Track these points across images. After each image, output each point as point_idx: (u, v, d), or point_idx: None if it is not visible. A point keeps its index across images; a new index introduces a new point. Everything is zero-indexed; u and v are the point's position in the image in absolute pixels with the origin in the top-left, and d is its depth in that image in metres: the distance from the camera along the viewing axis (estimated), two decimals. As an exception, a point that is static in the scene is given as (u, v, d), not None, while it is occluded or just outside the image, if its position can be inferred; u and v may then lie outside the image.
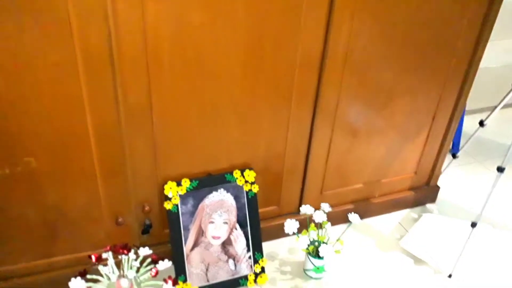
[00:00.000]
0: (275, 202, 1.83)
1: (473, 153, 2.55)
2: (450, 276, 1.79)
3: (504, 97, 1.79)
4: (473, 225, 1.75)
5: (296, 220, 1.70)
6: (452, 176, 2.36)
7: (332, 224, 1.87)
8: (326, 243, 1.68)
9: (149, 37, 1.26)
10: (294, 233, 1.66)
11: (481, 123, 1.95)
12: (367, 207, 2.05)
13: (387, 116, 1.79)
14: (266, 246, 1.85)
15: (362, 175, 1.94)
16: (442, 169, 2.17)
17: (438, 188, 2.17)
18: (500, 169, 1.67)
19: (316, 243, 1.68)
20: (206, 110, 1.46)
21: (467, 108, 2.54)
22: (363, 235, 1.98)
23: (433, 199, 2.20)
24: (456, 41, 1.69)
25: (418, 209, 2.16)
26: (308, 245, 1.66)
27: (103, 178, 1.43)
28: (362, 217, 2.06)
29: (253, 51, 1.40)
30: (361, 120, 1.75)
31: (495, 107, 1.85)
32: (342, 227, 1.94)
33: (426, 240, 1.96)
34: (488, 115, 1.91)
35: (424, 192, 2.14)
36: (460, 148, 2.14)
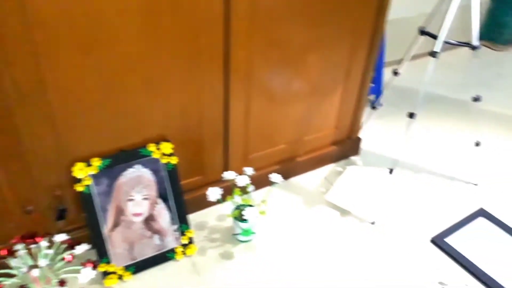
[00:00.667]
0: (199, 172, 1.79)
1: (395, 103, 2.63)
2: (373, 223, 1.87)
3: (411, 46, 1.84)
4: (391, 171, 1.82)
5: (221, 187, 1.69)
6: (375, 126, 2.42)
7: (261, 187, 1.88)
8: (252, 206, 1.68)
9: (30, 10, 1.14)
10: (218, 200, 1.64)
11: (395, 73, 2.00)
12: (293, 167, 2.07)
13: (302, 74, 1.79)
14: (195, 216, 1.83)
15: (284, 135, 1.95)
16: (365, 121, 2.23)
17: (360, 140, 2.23)
18: (411, 115, 1.73)
19: (242, 207, 1.68)
20: (108, 81, 1.37)
21: (387, 60, 2.60)
22: (290, 194, 2.01)
23: (356, 151, 2.26)
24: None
25: (342, 162, 2.22)
26: (233, 210, 1.65)
27: (0, 166, 1.32)
28: (289, 176, 2.09)
29: (150, 11, 1.31)
30: (277, 80, 1.74)
31: (405, 56, 1.90)
32: (270, 189, 1.96)
33: (349, 191, 2.03)
34: (400, 65, 1.96)
35: (346, 146, 2.20)
36: (376, 99, 2.20)
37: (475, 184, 2.09)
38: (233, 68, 1.57)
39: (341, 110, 2.04)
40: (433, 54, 1.63)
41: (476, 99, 1.83)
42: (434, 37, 1.68)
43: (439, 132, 2.43)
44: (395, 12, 2.68)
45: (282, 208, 1.92)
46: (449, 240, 1.79)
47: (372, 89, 2.52)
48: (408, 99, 2.66)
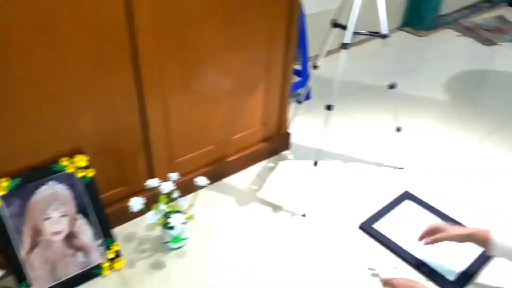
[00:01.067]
0: (121, 182, 1.74)
1: (323, 95, 2.67)
2: (304, 215, 1.89)
3: (326, 39, 1.86)
4: (315, 163, 1.84)
5: (146, 196, 1.65)
6: (303, 120, 2.45)
7: (192, 191, 1.85)
8: (179, 212, 1.65)
9: None
10: (142, 210, 1.60)
11: (315, 67, 2.03)
12: (224, 167, 2.06)
13: (222, 73, 1.77)
14: (123, 228, 1.78)
15: (211, 136, 1.93)
16: (293, 115, 2.25)
17: (289, 135, 2.25)
18: (329, 107, 1.76)
19: (168, 215, 1.65)
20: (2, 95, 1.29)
21: (312, 55, 2.64)
22: (222, 195, 1.99)
23: (287, 146, 2.28)
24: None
25: (274, 158, 2.23)
26: (159, 218, 1.62)
27: None
28: (221, 177, 2.08)
29: (46, 18, 1.25)
30: (196, 81, 1.71)
31: (321, 49, 1.92)
32: (203, 192, 1.93)
33: (281, 186, 2.04)
34: (318, 58, 1.98)
35: (276, 141, 2.21)
36: (303, 93, 2.22)
37: (401, 168, 2.16)
38: (144, 73, 1.53)
39: (266, 106, 2.05)
40: (343, 46, 1.66)
41: (392, 86, 1.89)
42: (345, 28, 1.71)
43: (364, 120, 2.49)
44: (316, 6, 2.73)
45: (215, 210, 1.91)
46: (377, 225, 1.84)
47: (298, 83, 2.56)
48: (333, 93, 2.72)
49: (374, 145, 2.31)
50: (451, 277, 1.63)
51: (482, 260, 1.69)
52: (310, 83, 2.55)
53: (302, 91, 2.52)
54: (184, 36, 1.57)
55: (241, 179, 2.09)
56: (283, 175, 2.12)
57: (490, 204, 1.97)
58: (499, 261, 1.67)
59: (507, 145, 2.32)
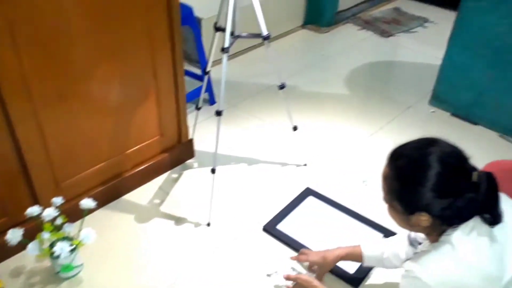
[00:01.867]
0: (1, 214, 1.60)
1: (226, 99, 2.64)
2: (208, 224, 1.84)
3: (212, 43, 1.82)
4: (213, 171, 1.80)
5: (25, 227, 1.52)
6: (209, 125, 2.39)
7: (88, 213, 1.74)
8: (67, 239, 1.54)
9: None
10: (21, 242, 1.47)
11: (206, 72, 1.98)
12: (122, 184, 1.96)
13: (102, 85, 1.68)
14: (9, 263, 1.64)
15: (101, 153, 1.83)
16: (195, 122, 2.20)
17: (192, 142, 2.19)
18: (218, 113, 1.72)
19: (55, 243, 1.53)
20: None
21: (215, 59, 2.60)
22: (121, 214, 1.89)
23: (190, 154, 2.22)
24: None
25: (178, 168, 2.16)
26: (43, 249, 1.50)
27: None
28: (120, 194, 1.98)
29: None
30: (73, 96, 1.60)
31: (209, 54, 1.88)
32: (99, 213, 1.83)
33: (184, 197, 1.98)
34: (208, 63, 1.94)
35: (178, 151, 2.14)
36: (201, 98, 2.17)
37: (305, 165, 2.17)
38: (7, 94, 1.41)
39: (161, 116, 1.97)
40: (223, 50, 1.63)
41: (282, 86, 1.89)
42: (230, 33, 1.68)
43: (268, 121, 2.49)
44: (213, 10, 2.69)
45: (113, 231, 1.81)
46: (281, 225, 1.83)
47: (199, 89, 2.50)
48: (240, 95, 2.70)
49: (277, 145, 2.32)
50: (351, 271, 1.65)
51: None
52: (213, 88, 2.52)
53: (206, 95, 2.48)
54: (53, 49, 1.46)
55: (142, 194, 2.00)
56: (187, 185, 2.06)
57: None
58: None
59: (403, 132, 2.41)
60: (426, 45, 3.29)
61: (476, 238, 1.06)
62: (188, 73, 2.59)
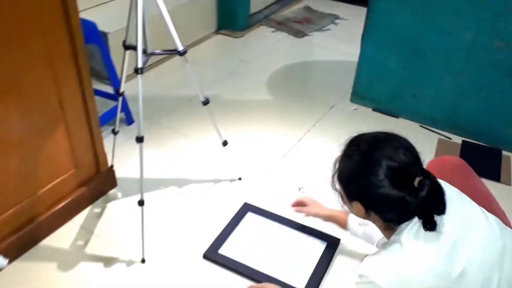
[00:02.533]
0: None
1: (148, 116, 2.45)
2: (143, 261, 1.68)
3: (123, 62, 1.66)
4: (140, 203, 1.64)
5: None
6: (130, 147, 2.20)
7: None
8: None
9: None
10: None
11: (119, 94, 1.81)
12: (37, 229, 1.72)
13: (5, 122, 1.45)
14: None
15: (7, 199, 1.59)
16: (116, 145, 2.01)
17: (112, 171, 2.00)
18: (138, 139, 1.57)
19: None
20: None
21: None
22: (39, 263, 1.66)
23: (113, 184, 2.02)
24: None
25: (100, 201, 1.96)
26: None
27: None
28: (34, 242, 1.74)
29: None
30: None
31: (121, 74, 1.72)
32: (15, 266, 1.60)
33: (112, 233, 1.79)
34: (120, 84, 1.77)
35: (98, 182, 1.94)
36: (117, 121, 1.98)
37: (239, 179, 2.08)
38: None
39: (74, 147, 1.76)
40: (136, 70, 1.48)
41: (206, 102, 1.77)
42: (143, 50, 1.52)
43: (195, 137, 2.36)
44: (117, 23, 2.50)
45: (33, 286, 1.58)
46: (223, 249, 1.72)
47: (113, 110, 2.30)
48: (159, 110, 2.54)
49: (208, 161, 2.19)
50: (301, 286, 1.59)
51: (325, 263, 1.68)
52: (129, 106, 2.33)
53: (120, 115, 2.28)
54: None
55: (63, 236, 1.78)
56: (113, 220, 1.87)
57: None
58: (340, 262, 1.70)
59: (330, 133, 2.40)
60: (341, 42, 3.34)
61: (423, 235, 1.05)
62: (99, 93, 2.38)
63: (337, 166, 1.16)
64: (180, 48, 1.56)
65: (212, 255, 1.70)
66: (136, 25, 1.43)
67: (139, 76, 1.47)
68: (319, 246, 1.73)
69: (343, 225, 1.61)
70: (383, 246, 1.13)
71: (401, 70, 2.38)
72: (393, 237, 1.11)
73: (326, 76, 3.00)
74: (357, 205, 1.12)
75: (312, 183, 2.06)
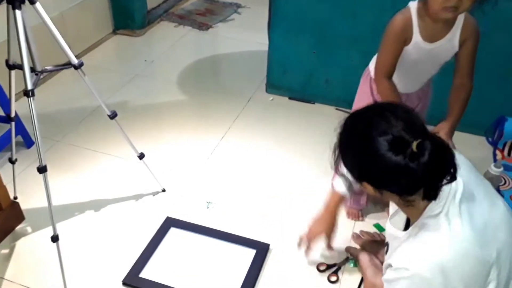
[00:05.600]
0: None
1: (49, 133, 2.21)
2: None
3: (9, 83, 1.44)
4: (54, 239, 1.45)
5: None
6: (32, 175, 1.96)
7: None
8: None
9: None
10: None
11: (10, 118, 1.58)
12: None
13: None
14: None
15: None
16: (17, 173, 1.78)
17: (17, 204, 1.77)
18: (41, 170, 1.38)
19: None
20: None
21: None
22: None
23: (19, 219, 1.78)
24: None
25: (7, 240, 1.72)
26: None
27: None
28: None
29: None
30: None
31: (10, 96, 1.49)
32: None
33: (25, 276, 1.58)
34: (10, 108, 1.54)
35: (1, 220, 1.70)
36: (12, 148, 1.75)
37: (163, 190, 1.94)
38: None
39: (-36, 187, 1.52)
40: (27, 93, 1.28)
41: (113, 116, 1.61)
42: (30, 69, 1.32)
43: (99, 153, 2.15)
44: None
45: None
46: (145, 272, 1.58)
47: (6, 136, 2.03)
48: (61, 127, 2.29)
49: (126, 176, 2.02)
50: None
51: (255, 271, 1.61)
52: (25, 127, 2.07)
53: (17, 139, 2.02)
54: None
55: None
56: (25, 259, 1.65)
57: (248, 203, 1.95)
58: (271, 268, 1.66)
59: (252, 126, 2.34)
60: (247, 32, 3.27)
61: (458, 216, 1.01)
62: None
63: (337, 153, 1.08)
64: (75, 61, 1.38)
65: (132, 280, 1.56)
66: (19, 41, 1.23)
67: (30, 99, 1.28)
68: (249, 254, 1.66)
69: (340, 200, 1.49)
70: (412, 232, 1.07)
71: (311, 56, 2.38)
72: (424, 220, 1.04)
73: (238, 68, 2.92)
74: (367, 185, 1.04)
75: (239, 184, 1.99)
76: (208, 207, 1.87)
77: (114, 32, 3.18)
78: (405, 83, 1.54)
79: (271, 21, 2.36)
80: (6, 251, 1.68)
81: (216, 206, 1.88)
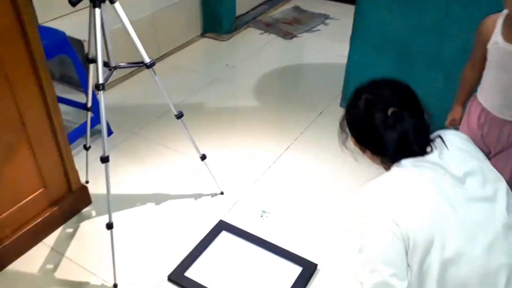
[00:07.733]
0: None
1: (124, 127, 2.35)
2: (115, 286, 1.58)
3: (88, 76, 1.55)
4: (109, 226, 1.53)
5: None
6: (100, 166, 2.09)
7: None
8: None
9: None
10: None
11: (87, 108, 1.70)
12: (2, 254, 1.62)
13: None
14: None
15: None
16: (91, 160, 1.91)
17: (86, 188, 1.90)
18: (102, 160, 1.46)
19: None
20: None
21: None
22: (4, 291, 1.57)
23: (86, 202, 1.92)
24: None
25: (73, 220, 1.85)
26: None
27: None
28: (2, 267, 1.64)
29: None
30: None
31: (89, 87, 1.61)
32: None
33: (83, 256, 1.69)
34: (87, 98, 1.66)
35: (70, 201, 1.84)
36: (88, 137, 1.88)
37: (222, 193, 1.97)
38: None
39: (41, 166, 1.67)
40: (98, 87, 1.37)
41: (179, 116, 1.66)
42: (105, 64, 1.42)
43: (169, 150, 2.23)
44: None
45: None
46: (190, 272, 1.61)
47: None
48: (138, 120, 2.42)
49: (189, 175, 2.08)
50: None
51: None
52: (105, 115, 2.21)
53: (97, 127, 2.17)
54: None
55: (31, 260, 1.68)
56: (85, 240, 1.77)
57: (303, 219, 1.90)
58: None
59: (318, 140, 2.28)
60: (331, 44, 3.22)
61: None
62: (76, 104, 2.28)
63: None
64: (147, 60, 1.45)
65: (178, 277, 1.59)
66: (95, 37, 1.32)
67: (101, 92, 1.36)
68: (294, 270, 1.62)
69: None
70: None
71: (389, 73, 2.26)
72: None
73: (316, 79, 2.88)
74: (352, 139, 1.12)
75: (297, 198, 1.95)
76: (262, 216, 1.86)
77: (202, 35, 3.31)
78: (492, 95, 1.43)
79: (352, 35, 2.30)
80: (70, 230, 1.81)
81: (270, 216, 1.86)
